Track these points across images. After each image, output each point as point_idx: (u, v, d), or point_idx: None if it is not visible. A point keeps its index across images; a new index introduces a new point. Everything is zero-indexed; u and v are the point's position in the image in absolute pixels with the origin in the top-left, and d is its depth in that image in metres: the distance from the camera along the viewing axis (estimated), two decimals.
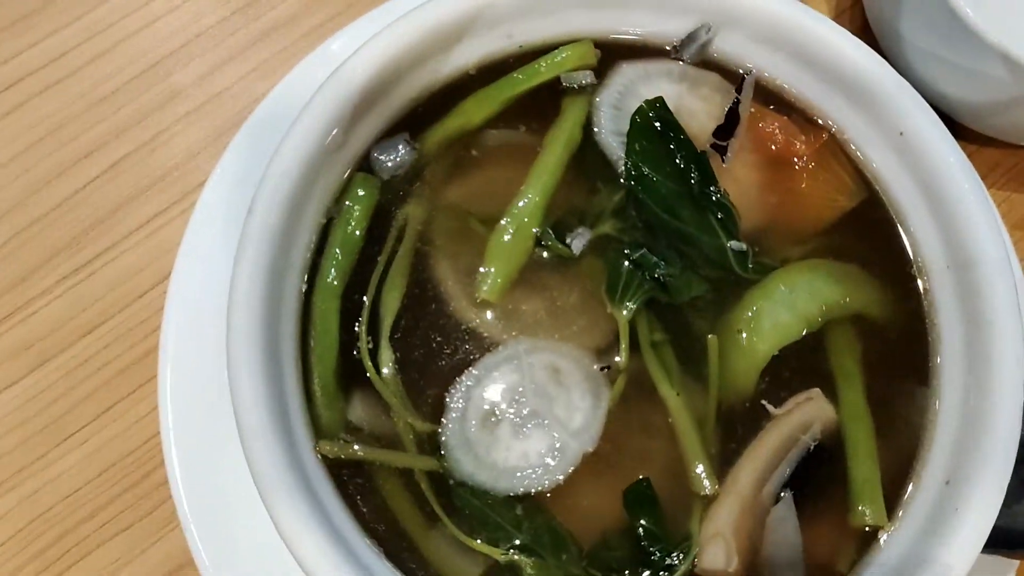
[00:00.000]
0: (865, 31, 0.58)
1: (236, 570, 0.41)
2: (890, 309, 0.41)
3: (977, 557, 0.38)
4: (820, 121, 0.43)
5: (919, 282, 0.41)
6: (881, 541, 0.37)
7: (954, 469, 0.37)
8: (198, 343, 0.43)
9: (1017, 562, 0.43)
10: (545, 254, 0.41)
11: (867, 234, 0.42)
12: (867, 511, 0.38)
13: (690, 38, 0.43)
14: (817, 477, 0.39)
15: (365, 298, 0.40)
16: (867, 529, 0.38)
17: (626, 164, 0.42)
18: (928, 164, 0.40)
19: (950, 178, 0.40)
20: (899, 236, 0.42)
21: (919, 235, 0.41)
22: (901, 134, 0.41)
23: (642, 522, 0.38)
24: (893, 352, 0.41)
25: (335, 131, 0.39)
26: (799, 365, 0.40)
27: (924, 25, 0.52)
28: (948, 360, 0.40)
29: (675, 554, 0.37)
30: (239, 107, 0.54)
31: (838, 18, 0.58)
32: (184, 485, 0.42)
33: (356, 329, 0.39)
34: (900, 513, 0.38)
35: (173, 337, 0.44)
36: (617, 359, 0.39)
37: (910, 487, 0.38)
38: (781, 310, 0.40)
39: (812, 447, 0.39)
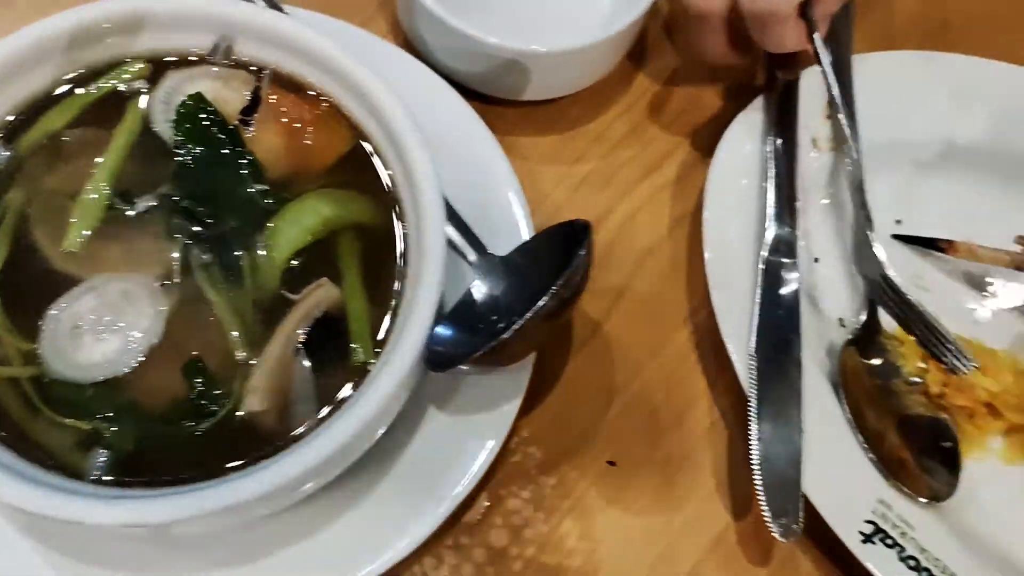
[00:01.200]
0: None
1: None
2: (379, 217, 0.58)
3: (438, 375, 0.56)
4: (320, 95, 0.60)
5: (393, 196, 0.58)
6: (370, 371, 0.53)
7: (404, 318, 0.54)
8: None
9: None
10: (123, 213, 0.56)
11: (359, 167, 0.59)
12: (359, 351, 0.54)
13: (215, 48, 0.59)
14: (328, 338, 0.55)
15: None
16: (361, 364, 0.54)
17: (176, 142, 0.57)
18: (385, 115, 0.57)
19: (397, 122, 0.57)
20: (377, 167, 0.59)
21: (391, 166, 0.58)
22: (364, 96, 0.58)
23: (197, 387, 0.52)
24: (381, 245, 0.57)
25: None
26: (313, 264, 0.56)
27: (427, 26, 0.71)
28: (411, 247, 0.56)
29: (219, 403, 0.52)
30: None
31: (392, 30, 0.77)
32: None
33: None
34: (379, 352, 0.54)
35: None
36: (176, 280, 0.55)
37: (385, 334, 0.55)
38: (292, 228, 0.56)
39: (321, 316, 0.55)
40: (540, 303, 0.54)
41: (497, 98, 0.74)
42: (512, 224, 0.67)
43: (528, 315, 0.54)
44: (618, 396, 0.68)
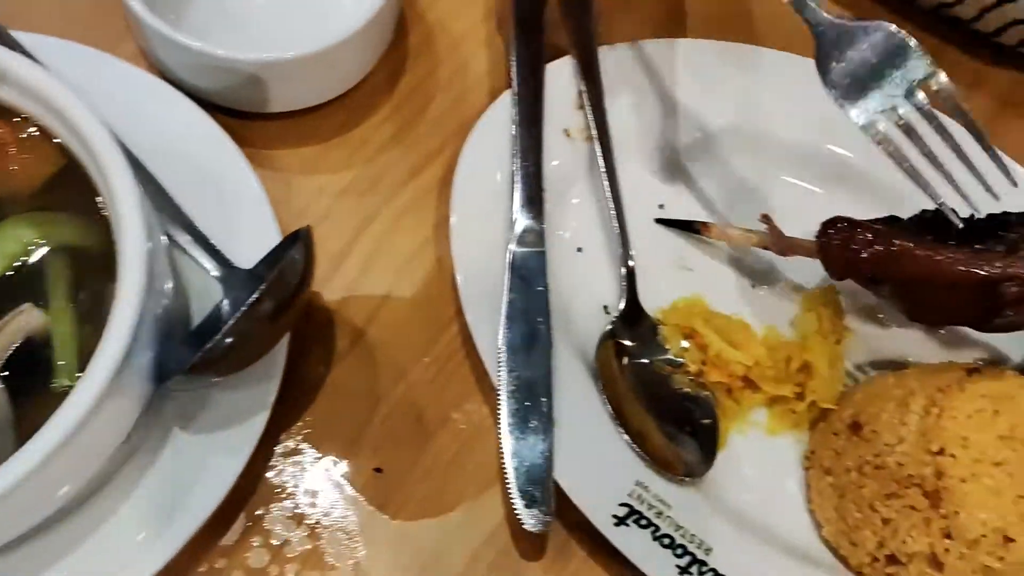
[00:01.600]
0: None
1: None
2: (90, 238, 0.55)
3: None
4: (21, 117, 0.58)
5: (102, 215, 0.55)
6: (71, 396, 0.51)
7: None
8: None
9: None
10: None
11: (67, 189, 0.56)
12: (62, 375, 0.52)
13: None
14: (32, 365, 0.53)
15: None
16: (65, 389, 0.51)
17: None
18: (83, 134, 0.54)
19: (95, 140, 0.54)
20: (84, 187, 0.56)
21: (97, 184, 0.56)
22: (62, 115, 0.56)
23: None
24: (94, 266, 0.55)
25: None
26: (17, 290, 0.54)
27: (159, 44, 0.69)
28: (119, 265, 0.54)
29: None
30: None
31: (142, 52, 0.75)
32: None
33: None
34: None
35: None
36: None
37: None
38: None
39: (24, 343, 0.53)
40: (245, 306, 0.53)
41: (254, 113, 0.73)
42: (261, 237, 0.65)
43: (233, 320, 0.52)
44: (383, 401, 0.67)
